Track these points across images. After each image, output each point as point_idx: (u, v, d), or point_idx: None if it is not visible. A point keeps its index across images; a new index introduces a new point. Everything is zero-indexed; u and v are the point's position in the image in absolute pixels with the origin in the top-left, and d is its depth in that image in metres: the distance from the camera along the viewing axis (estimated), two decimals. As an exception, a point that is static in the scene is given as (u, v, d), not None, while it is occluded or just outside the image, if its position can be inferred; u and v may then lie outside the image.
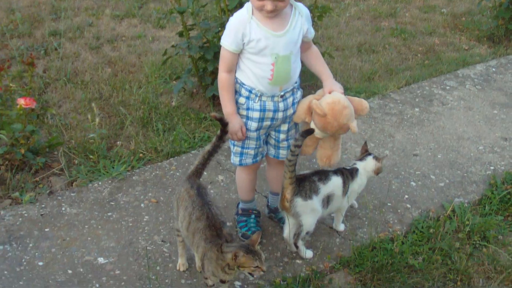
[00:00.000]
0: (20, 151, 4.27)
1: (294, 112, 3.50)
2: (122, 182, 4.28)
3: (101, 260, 3.55)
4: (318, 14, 5.47)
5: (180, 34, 5.30)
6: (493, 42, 7.75)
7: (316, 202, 3.51)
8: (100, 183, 4.26)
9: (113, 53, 6.59)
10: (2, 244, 3.61)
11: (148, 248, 3.64)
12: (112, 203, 4.05)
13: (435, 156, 4.87)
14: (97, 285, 3.36)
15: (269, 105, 3.38)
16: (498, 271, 3.65)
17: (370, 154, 3.83)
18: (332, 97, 3.38)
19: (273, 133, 3.59)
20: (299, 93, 3.51)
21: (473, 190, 4.47)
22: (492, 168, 4.76)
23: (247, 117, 3.41)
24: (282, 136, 3.58)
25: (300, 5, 3.35)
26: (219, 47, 3.50)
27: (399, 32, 7.84)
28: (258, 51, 3.23)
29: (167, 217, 3.91)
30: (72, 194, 4.13)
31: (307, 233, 3.59)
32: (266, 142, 3.65)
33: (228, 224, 3.83)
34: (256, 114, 3.38)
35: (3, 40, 6.73)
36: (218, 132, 3.25)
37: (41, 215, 3.89)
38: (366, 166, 3.77)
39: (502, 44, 7.58)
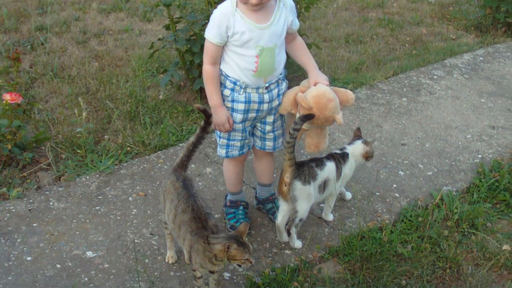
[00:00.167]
0: (7, 146, 4.24)
1: (279, 104, 3.50)
2: (109, 176, 4.26)
3: (89, 254, 3.54)
4: (305, 5, 5.45)
5: (167, 27, 5.28)
6: (481, 31, 7.76)
7: (312, 188, 3.53)
8: (87, 177, 4.24)
9: (100, 47, 6.56)
10: (-10, 239, 3.61)
11: (136, 241, 3.64)
12: (100, 197, 4.04)
13: (423, 145, 4.87)
14: (86, 279, 3.35)
15: (254, 96, 3.37)
16: (486, 258, 3.66)
17: (359, 138, 3.83)
18: (317, 89, 3.37)
19: (259, 124, 3.59)
20: (284, 85, 3.51)
21: (461, 178, 4.48)
22: (480, 156, 4.77)
23: (232, 109, 3.40)
24: (268, 127, 3.58)
25: None
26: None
27: (387, 22, 7.85)
28: (242, 44, 3.22)
29: (155, 210, 3.90)
30: (59, 188, 4.11)
31: (300, 220, 3.59)
32: (252, 134, 3.65)
33: (216, 216, 3.85)
34: (241, 106, 3.38)
35: (-12, 36, 6.69)
36: (202, 123, 3.24)
37: (29, 210, 3.88)
38: (355, 150, 3.78)
39: (490, 33, 7.60)
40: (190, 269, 3.12)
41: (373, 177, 4.36)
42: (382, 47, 7.07)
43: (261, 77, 3.32)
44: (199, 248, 2.94)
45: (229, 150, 3.57)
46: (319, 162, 3.61)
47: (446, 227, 3.90)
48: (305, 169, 3.51)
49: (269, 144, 3.65)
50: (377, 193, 4.23)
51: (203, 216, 3.05)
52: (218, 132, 3.53)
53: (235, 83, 3.33)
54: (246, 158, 3.72)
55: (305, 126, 3.44)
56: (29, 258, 3.47)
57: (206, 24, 4.87)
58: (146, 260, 3.50)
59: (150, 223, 3.80)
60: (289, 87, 3.55)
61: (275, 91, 3.43)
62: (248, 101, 3.37)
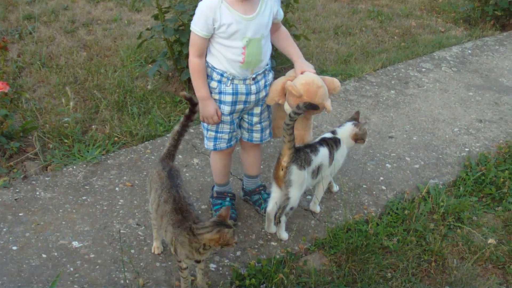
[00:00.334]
0: (-6, 135, 4.23)
1: (266, 95, 3.50)
2: (96, 166, 4.25)
3: (75, 244, 3.53)
4: (294, -5, 5.47)
5: (156, 17, 5.27)
6: (469, 24, 7.79)
7: (307, 174, 3.54)
8: (74, 167, 4.23)
9: (89, 37, 6.53)
10: (-24, 229, 3.60)
11: (122, 231, 3.63)
12: (87, 187, 4.03)
13: (411, 138, 4.89)
14: (72, 269, 3.34)
15: (241, 88, 3.37)
16: (472, 252, 3.68)
17: (352, 120, 3.85)
18: (306, 77, 3.39)
19: (246, 116, 3.58)
20: (270, 75, 3.51)
21: (448, 171, 4.49)
22: (467, 149, 4.79)
23: (220, 101, 3.40)
24: (255, 119, 3.58)
25: None
26: (193, 30, 3.48)
27: (376, 14, 7.86)
28: (229, 35, 3.21)
29: (142, 200, 3.90)
30: (46, 178, 4.10)
31: (291, 208, 3.58)
32: (240, 126, 3.64)
33: (203, 207, 3.87)
34: (228, 98, 3.37)
35: (-24, 24, 6.66)
36: (187, 111, 3.23)
37: (15, 199, 3.86)
38: (345, 132, 3.80)
39: (478, 26, 7.62)
40: (176, 260, 3.12)
41: (360, 170, 4.37)
42: (371, 39, 7.08)
43: (248, 68, 3.32)
44: (184, 241, 2.93)
45: (217, 142, 3.57)
46: (313, 147, 3.62)
47: (432, 220, 3.92)
48: (301, 154, 3.52)
49: (256, 135, 3.65)
50: (364, 186, 4.24)
51: (184, 207, 3.04)
52: (206, 125, 3.51)
53: (222, 75, 3.33)
54: (233, 150, 3.71)
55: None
56: (14, 248, 3.46)
57: (194, 14, 4.88)
58: (132, 251, 3.50)
59: (137, 214, 3.80)
60: (275, 78, 3.55)
61: (262, 82, 3.43)
62: (235, 93, 3.36)
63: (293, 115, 3.31)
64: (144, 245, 3.54)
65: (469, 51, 6.74)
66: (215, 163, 3.77)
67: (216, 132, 3.52)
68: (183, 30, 5.00)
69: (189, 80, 5.06)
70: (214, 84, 3.36)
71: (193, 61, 3.31)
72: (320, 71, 3.46)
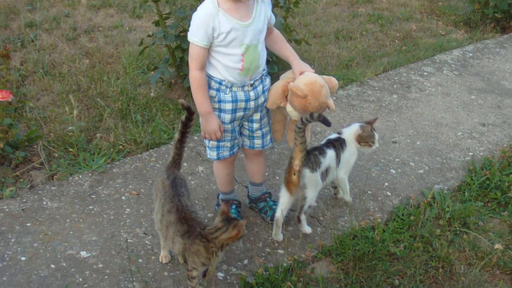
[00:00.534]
0: (-1, 145, 4.24)
1: (265, 100, 3.50)
2: (102, 175, 4.26)
3: (83, 254, 3.54)
4: (294, 0, 5.46)
5: (156, 24, 5.28)
6: (470, 27, 7.82)
7: (319, 175, 3.57)
8: (80, 176, 4.24)
9: (90, 44, 6.55)
10: (-17, 240, 3.60)
11: (130, 240, 3.64)
12: (93, 196, 4.04)
13: (414, 143, 4.90)
14: (80, 279, 3.35)
15: (240, 95, 3.36)
16: (479, 257, 3.69)
17: (361, 122, 3.89)
18: (308, 77, 3.39)
19: (246, 123, 3.58)
20: (267, 80, 3.51)
21: (452, 176, 4.50)
22: (471, 154, 4.80)
23: (220, 110, 3.38)
24: (255, 125, 3.57)
25: None
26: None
27: (376, 18, 7.88)
28: (228, 43, 3.19)
29: (148, 209, 3.90)
30: (52, 188, 4.10)
31: (309, 206, 3.62)
32: (240, 133, 3.64)
33: (209, 215, 3.88)
34: (228, 106, 3.36)
35: (-22, 33, 6.67)
36: (183, 118, 3.20)
37: (22, 209, 3.87)
38: (349, 132, 3.84)
39: (479, 29, 7.64)
40: (185, 269, 3.13)
41: (364, 175, 4.38)
42: (372, 43, 7.10)
43: (247, 75, 3.31)
44: (199, 249, 2.96)
45: (220, 151, 3.56)
46: (321, 150, 3.66)
47: (438, 226, 3.92)
48: (311, 157, 3.54)
49: (257, 142, 3.65)
50: (369, 192, 4.25)
51: (189, 216, 3.07)
52: (210, 140, 3.49)
53: (220, 83, 3.32)
54: (236, 158, 3.72)
55: (296, 116, 3.47)
56: (23, 258, 3.46)
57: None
58: (140, 260, 3.50)
59: (143, 223, 3.80)
60: (273, 83, 3.56)
61: (259, 88, 3.43)
62: (235, 100, 3.36)
63: (305, 121, 3.33)
64: (151, 254, 3.55)
65: (470, 54, 6.76)
66: (218, 172, 3.78)
67: (218, 141, 3.50)
68: (184, 36, 4.98)
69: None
70: (213, 93, 3.34)
71: (195, 75, 3.26)
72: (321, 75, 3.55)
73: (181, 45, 5.05)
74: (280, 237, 3.72)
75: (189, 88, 5.15)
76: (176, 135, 3.28)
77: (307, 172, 3.49)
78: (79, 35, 6.80)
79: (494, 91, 5.90)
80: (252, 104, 3.42)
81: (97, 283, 3.33)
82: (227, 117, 3.40)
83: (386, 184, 4.36)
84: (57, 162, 4.37)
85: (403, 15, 8.06)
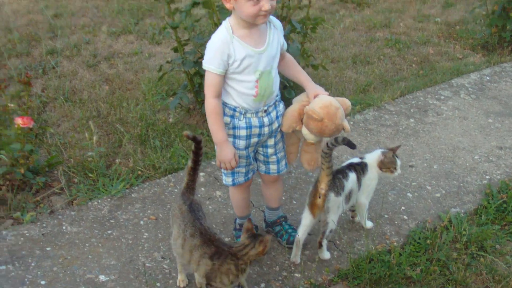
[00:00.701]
0: (20, 171, 4.31)
1: (279, 126, 3.52)
2: (121, 200, 4.31)
3: (102, 278, 3.58)
4: (311, 26, 5.50)
5: (175, 50, 5.34)
6: (487, 50, 7.81)
7: (342, 199, 3.62)
8: (99, 201, 4.30)
9: (110, 71, 6.64)
10: (5, 264, 3.64)
11: (148, 265, 3.68)
12: (112, 221, 4.09)
13: (431, 166, 4.91)
14: (99, 303, 3.40)
15: (254, 121, 3.38)
16: (496, 281, 3.68)
17: (383, 148, 3.93)
18: (323, 100, 3.41)
19: (260, 149, 3.60)
20: (281, 106, 3.54)
21: (469, 200, 4.50)
22: (487, 177, 4.80)
23: (234, 136, 3.41)
24: (270, 150, 3.60)
25: (273, 18, 3.35)
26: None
27: (394, 42, 7.91)
28: (242, 70, 3.20)
29: (166, 234, 3.94)
30: (72, 213, 4.16)
31: (331, 231, 3.64)
32: (256, 159, 3.66)
33: (226, 239, 3.90)
34: (243, 132, 3.39)
35: (1, 60, 6.79)
36: (193, 147, 3.22)
37: (42, 234, 3.93)
38: (372, 158, 3.88)
39: (496, 52, 7.64)
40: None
41: (381, 200, 4.40)
42: (389, 67, 7.13)
43: (261, 101, 3.33)
44: (230, 268, 3.05)
45: (235, 177, 3.59)
46: (344, 173, 3.69)
47: (454, 249, 3.92)
48: (336, 181, 3.57)
49: (273, 167, 3.68)
50: (385, 216, 4.26)
51: (213, 237, 3.13)
52: (224, 169, 3.48)
53: (234, 110, 3.34)
54: (251, 183, 3.74)
55: (313, 139, 3.51)
56: (43, 282, 3.51)
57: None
58: (158, 284, 3.54)
59: (161, 247, 3.84)
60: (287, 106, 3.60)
61: (273, 113, 3.46)
62: (249, 126, 3.38)
63: (331, 145, 3.37)
64: (169, 278, 3.58)
65: (488, 78, 6.76)
66: (234, 197, 3.81)
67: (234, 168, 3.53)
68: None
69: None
70: (227, 119, 3.36)
71: (211, 103, 3.26)
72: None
73: (199, 71, 5.11)
74: (298, 259, 3.75)
75: (206, 114, 5.25)
76: (189, 163, 3.30)
77: (332, 196, 3.53)
78: (100, 61, 6.91)
79: (511, 114, 5.89)
80: (266, 130, 3.45)
81: (115, 307, 3.38)
82: (241, 143, 3.42)
83: (403, 208, 4.37)
84: (77, 188, 4.44)
85: (420, 39, 8.08)
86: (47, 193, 4.37)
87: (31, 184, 4.40)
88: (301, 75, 3.59)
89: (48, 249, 3.79)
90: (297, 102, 3.56)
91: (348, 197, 3.70)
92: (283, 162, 3.70)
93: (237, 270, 3.05)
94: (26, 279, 3.52)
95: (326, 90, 3.58)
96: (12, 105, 4.59)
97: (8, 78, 6.28)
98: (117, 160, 4.82)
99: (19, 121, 4.31)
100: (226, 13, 3.49)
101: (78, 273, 3.60)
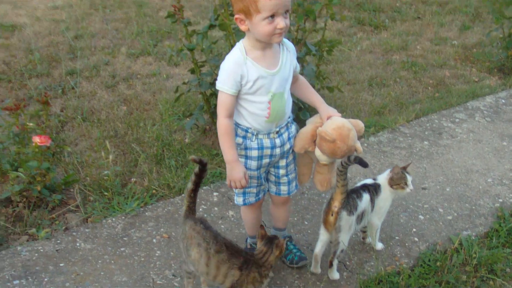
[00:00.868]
0: (37, 188, 4.39)
1: (291, 147, 3.55)
2: (135, 218, 4.37)
3: (114, 295, 3.64)
4: (327, 48, 5.54)
5: (192, 71, 5.40)
6: (504, 73, 7.82)
7: (354, 218, 3.64)
8: (114, 219, 4.36)
9: (129, 91, 6.73)
10: (19, 278, 3.71)
11: (159, 282, 3.73)
12: (125, 239, 4.15)
13: (444, 189, 4.93)
14: (110, 320, 3.45)
15: (266, 142, 3.41)
16: (504, 304, 3.70)
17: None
18: (336, 122, 3.44)
19: (272, 169, 3.63)
20: (293, 127, 3.57)
21: (481, 223, 4.51)
22: (500, 200, 4.80)
23: (246, 157, 3.44)
24: (281, 171, 3.62)
25: (286, 40, 3.38)
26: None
27: (410, 65, 7.93)
28: (255, 91, 3.23)
29: (178, 252, 3.99)
30: (86, 230, 4.23)
31: (342, 251, 3.67)
32: (267, 180, 3.69)
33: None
34: (254, 153, 3.42)
35: (22, 80, 6.91)
36: (196, 170, 3.27)
37: (57, 250, 4.00)
38: (383, 178, 3.91)
39: (512, 75, 7.65)
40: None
41: (393, 221, 4.42)
42: (405, 90, 7.15)
43: (273, 122, 3.36)
44: (255, 276, 3.17)
45: (246, 197, 3.64)
46: (358, 193, 3.72)
47: (464, 272, 3.93)
48: (349, 199, 3.61)
49: (283, 188, 3.70)
50: (396, 237, 4.28)
51: (238, 248, 3.24)
52: (234, 188, 3.50)
53: (246, 131, 3.37)
54: (262, 203, 3.78)
55: (326, 161, 3.54)
56: (55, 299, 3.58)
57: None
58: (169, 302, 3.59)
59: (173, 265, 3.89)
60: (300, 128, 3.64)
61: (285, 135, 3.49)
62: (261, 147, 3.41)
63: (345, 164, 3.41)
64: (180, 296, 3.64)
65: (503, 101, 6.77)
66: (246, 216, 3.86)
67: (245, 187, 3.52)
68: (219, 84, 5.13)
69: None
70: (239, 140, 3.39)
71: (223, 123, 3.30)
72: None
73: (215, 92, 5.13)
74: (318, 269, 3.83)
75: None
76: (189, 185, 3.33)
77: (344, 214, 3.55)
78: (118, 82, 7.00)
79: (526, 138, 5.92)
80: (278, 151, 3.48)
81: (126, 323, 3.42)
82: (253, 164, 3.46)
83: (414, 230, 4.38)
84: (92, 205, 4.51)
85: (437, 62, 8.11)
86: (63, 210, 4.45)
87: (47, 201, 4.48)
88: (314, 97, 3.62)
89: (61, 265, 3.86)
90: (311, 123, 3.59)
91: (360, 217, 3.72)
92: (294, 184, 3.73)
93: (261, 276, 3.18)
94: (39, 295, 3.59)
95: (341, 112, 3.62)
96: (31, 124, 4.69)
97: (28, 98, 6.39)
98: (132, 179, 4.89)
99: (36, 139, 4.41)
100: (242, 35, 3.55)
101: (91, 290, 3.66)
